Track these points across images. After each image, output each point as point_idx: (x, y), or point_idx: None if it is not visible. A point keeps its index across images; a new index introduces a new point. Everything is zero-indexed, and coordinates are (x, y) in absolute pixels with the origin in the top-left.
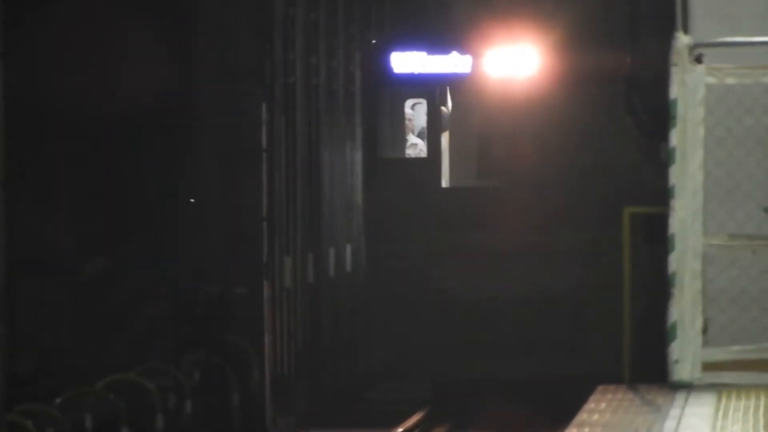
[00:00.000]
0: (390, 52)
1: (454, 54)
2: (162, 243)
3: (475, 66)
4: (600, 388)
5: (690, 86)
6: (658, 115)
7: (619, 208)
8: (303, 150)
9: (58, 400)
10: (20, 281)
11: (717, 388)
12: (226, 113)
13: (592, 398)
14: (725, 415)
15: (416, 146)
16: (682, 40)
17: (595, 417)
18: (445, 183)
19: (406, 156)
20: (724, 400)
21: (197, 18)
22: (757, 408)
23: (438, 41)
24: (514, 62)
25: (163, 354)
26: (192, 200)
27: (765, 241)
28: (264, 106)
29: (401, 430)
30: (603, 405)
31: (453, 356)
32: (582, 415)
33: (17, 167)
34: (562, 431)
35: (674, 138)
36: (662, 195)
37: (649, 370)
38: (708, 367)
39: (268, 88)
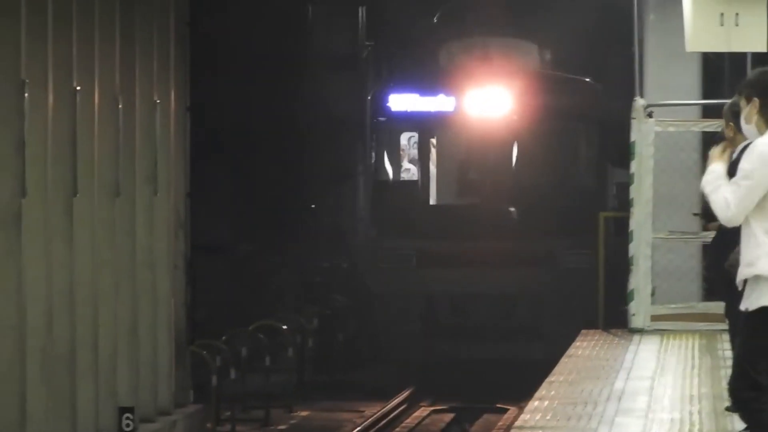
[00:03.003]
0: (388, 94)
1: (441, 96)
2: (289, 232)
3: (457, 105)
4: (583, 331)
5: (644, 132)
6: (623, 150)
7: (576, 222)
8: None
9: (223, 338)
10: (197, 258)
11: (661, 332)
12: (334, 148)
13: (578, 338)
14: (666, 350)
15: (409, 171)
16: (639, 102)
17: (580, 351)
18: (432, 201)
19: (401, 179)
20: (665, 340)
21: (310, 83)
22: (687, 346)
23: (427, 85)
24: (490, 103)
25: (290, 308)
26: (312, 206)
27: (693, 235)
28: (359, 144)
29: (395, 402)
30: (585, 343)
31: (437, 341)
32: (570, 350)
33: (193, 179)
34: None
35: (633, 167)
36: (605, 208)
37: (615, 321)
38: (654, 318)
39: (360, 131)
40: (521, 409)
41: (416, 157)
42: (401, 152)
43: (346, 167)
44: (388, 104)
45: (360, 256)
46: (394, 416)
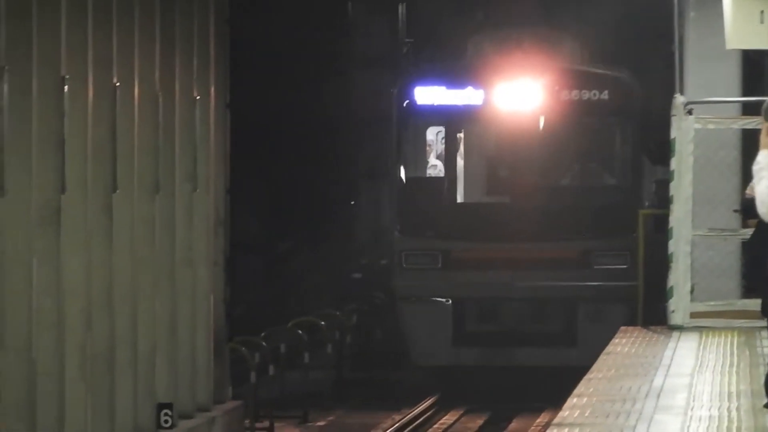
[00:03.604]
0: (414, 86)
1: (469, 88)
2: (326, 231)
3: (486, 99)
4: (622, 328)
5: (684, 130)
6: (663, 148)
7: (608, 222)
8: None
9: (262, 334)
10: (236, 256)
11: (700, 329)
12: (370, 146)
13: (617, 335)
14: (705, 347)
15: (436, 167)
16: (679, 99)
17: (619, 348)
18: (460, 199)
19: (427, 175)
20: (704, 337)
21: (346, 80)
22: (726, 343)
23: (455, 77)
24: (520, 96)
25: (328, 305)
26: (352, 202)
27: (732, 232)
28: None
29: (419, 410)
30: (624, 340)
31: (464, 343)
32: (610, 347)
33: (233, 178)
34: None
35: (673, 164)
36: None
37: (654, 318)
38: (694, 315)
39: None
40: (558, 409)
41: (443, 152)
42: (428, 148)
43: (380, 165)
44: (414, 97)
45: (386, 256)
46: (430, 415)
